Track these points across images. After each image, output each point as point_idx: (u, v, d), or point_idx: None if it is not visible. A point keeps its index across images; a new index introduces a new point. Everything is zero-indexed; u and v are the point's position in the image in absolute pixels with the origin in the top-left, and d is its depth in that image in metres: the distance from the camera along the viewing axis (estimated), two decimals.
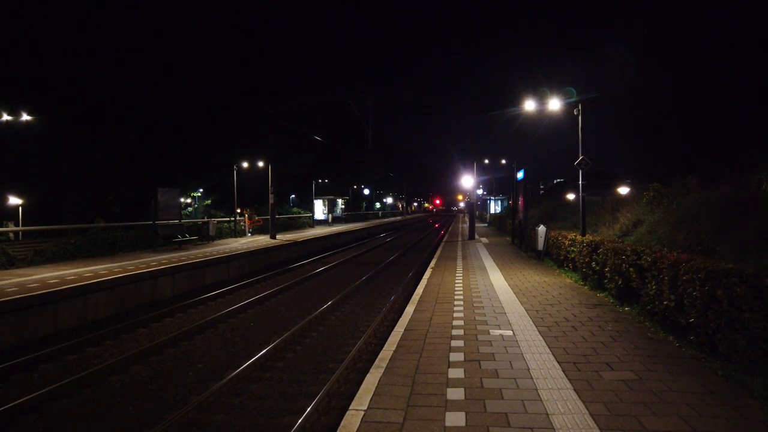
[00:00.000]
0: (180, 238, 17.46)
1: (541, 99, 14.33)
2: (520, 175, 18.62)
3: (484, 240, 23.37)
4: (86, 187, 26.12)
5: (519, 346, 5.56)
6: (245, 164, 28.69)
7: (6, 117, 20.49)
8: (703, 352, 5.13)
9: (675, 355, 5.19)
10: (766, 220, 7.94)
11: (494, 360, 5.11)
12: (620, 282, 7.69)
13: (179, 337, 8.19)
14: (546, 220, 18.49)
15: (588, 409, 3.85)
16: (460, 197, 65.24)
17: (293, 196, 50.84)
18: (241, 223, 25.19)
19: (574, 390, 4.25)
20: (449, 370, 4.84)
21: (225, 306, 10.71)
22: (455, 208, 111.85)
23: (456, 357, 5.23)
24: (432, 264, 13.98)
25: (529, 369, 4.80)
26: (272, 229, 22.13)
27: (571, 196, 23.15)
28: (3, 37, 23.63)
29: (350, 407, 4.03)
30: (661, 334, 5.95)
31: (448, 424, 3.67)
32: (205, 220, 23.11)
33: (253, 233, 25.33)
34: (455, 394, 4.23)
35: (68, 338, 8.31)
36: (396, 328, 6.55)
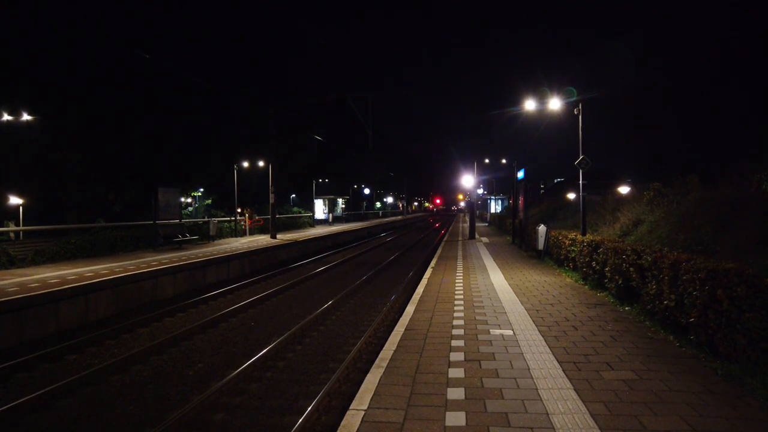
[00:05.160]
0: (180, 238, 17.47)
1: (542, 99, 14.33)
2: (520, 174, 18.61)
3: (485, 239, 23.37)
4: (87, 187, 26.13)
5: (519, 346, 5.56)
6: (245, 164, 28.70)
7: (6, 117, 20.50)
8: (704, 351, 5.14)
9: (675, 355, 5.19)
10: (766, 220, 7.94)
11: (494, 360, 5.11)
12: (620, 282, 7.70)
13: (180, 337, 8.20)
14: (546, 220, 18.48)
15: (588, 409, 3.86)
16: (461, 197, 65.19)
17: (293, 195, 50.84)
18: (242, 223, 25.18)
19: (575, 390, 4.25)
20: (449, 369, 4.84)
21: (225, 305, 10.71)
22: (455, 208, 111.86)
23: (456, 357, 5.23)
24: (432, 263, 13.98)
25: (529, 369, 4.81)
26: (272, 229, 22.13)
27: (571, 196, 23.14)
28: (3, 37, 23.65)
29: (351, 407, 4.04)
30: (661, 334, 5.96)
31: (448, 423, 3.68)
32: (206, 219, 23.12)
33: (253, 233, 25.34)
34: (455, 393, 4.24)
35: (69, 338, 8.32)
36: (396, 328, 6.56)
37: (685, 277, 5.50)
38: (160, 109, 29.38)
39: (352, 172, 62.55)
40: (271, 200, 22.32)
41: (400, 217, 71.22)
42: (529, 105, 14.85)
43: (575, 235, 11.20)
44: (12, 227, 20.37)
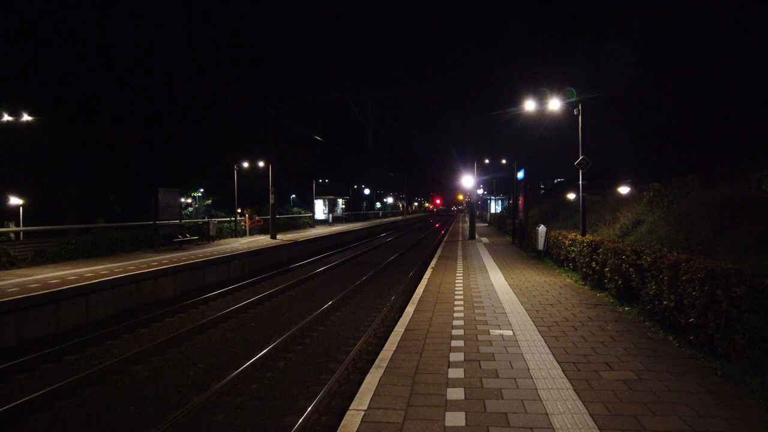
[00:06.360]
0: (181, 238, 17.48)
1: (542, 99, 14.33)
2: (520, 175, 18.62)
3: (485, 240, 23.37)
4: (87, 188, 26.12)
5: (519, 346, 5.57)
6: (246, 164, 28.70)
7: (6, 117, 20.51)
8: (703, 351, 5.14)
9: (675, 355, 5.20)
10: (766, 220, 7.94)
11: (494, 360, 5.12)
12: (620, 282, 7.70)
13: (180, 337, 8.20)
14: (546, 220, 18.48)
15: (588, 409, 3.86)
16: (461, 197, 65.28)
17: (294, 195, 50.83)
18: (242, 223, 25.20)
19: (574, 390, 4.26)
20: (449, 370, 4.85)
21: (226, 306, 10.72)
22: (455, 208, 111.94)
23: (456, 357, 5.24)
24: (432, 264, 13.99)
25: (529, 369, 4.81)
26: (273, 229, 22.15)
27: (571, 196, 23.15)
28: (3, 37, 23.65)
29: (350, 407, 4.05)
30: (660, 334, 5.97)
31: (448, 423, 3.68)
32: (206, 220, 23.13)
33: (253, 233, 25.35)
34: (455, 394, 4.24)
35: (69, 338, 8.34)
36: (396, 328, 6.56)
37: (684, 278, 5.51)
38: (160, 109, 29.37)
39: (352, 172, 62.54)
40: (272, 200, 22.34)
41: (400, 218, 71.24)
42: (529, 105, 14.86)
43: (575, 236, 11.21)
44: (12, 227, 20.40)
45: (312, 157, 44.94)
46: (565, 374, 4.64)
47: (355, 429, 3.64)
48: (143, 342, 8.18)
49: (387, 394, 4.29)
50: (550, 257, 13.74)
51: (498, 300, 8.28)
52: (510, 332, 6.19)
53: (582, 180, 11.82)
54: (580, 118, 11.80)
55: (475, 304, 7.94)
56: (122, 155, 26.75)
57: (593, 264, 9.14)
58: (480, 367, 4.89)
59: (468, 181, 34.41)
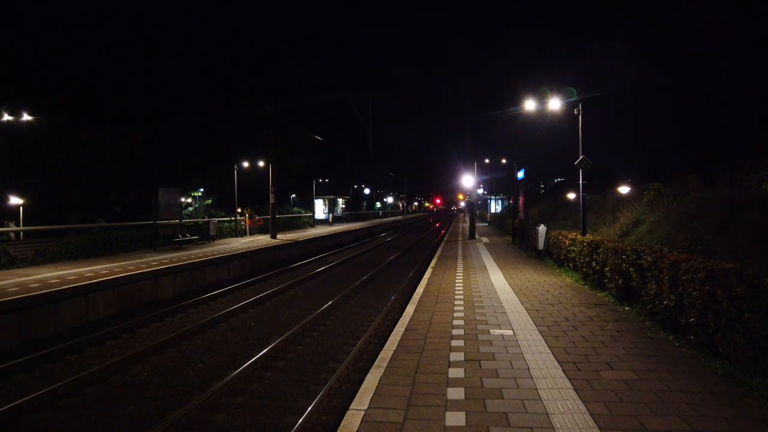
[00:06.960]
0: (181, 238, 17.47)
1: (542, 98, 14.34)
2: (520, 174, 18.62)
3: (485, 240, 23.37)
4: (87, 187, 26.14)
5: (519, 346, 5.57)
6: (246, 164, 28.74)
7: (7, 117, 20.52)
8: (703, 351, 5.15)
9: (675, 355, 5.20)
10: (766, 220, 7.95)
11: (494, 360, 5.12)
12: (620, 282, 7.70)
13: (180, 337, 8.20)
14: (546, 220, 18.49)
15: (588, 409, 3.86)
16: (461, 197, 65.18)
17: (294, 195, 50.87)
18: (242, 223, 25.19)
19: (574, 390, 4.26)
20: (449, 369, 4.85)
21: (226, 306, 10.72)
22: (455, 208, 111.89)
23: (456, 357, 5.24)
24: (432, 263, 13.98)
25: (529, 369, 4.81)
26: (273, 229, 22.14)
27: (571, 196, 23.15)
28: (4, 38, 23.66)
29: (351, 407, 4.04)
30: (661, 334, 5.97)
31: (448, 423, 3.68)
32: (206, 219, 23.12)
33: (253, 233, 25.35)
34: (455, 393, 4.24)
35: (69, 338, 8.33)
36: (396, 328, 6.56)
37: (684, 277, 5.51)
38: (161, 109, 29.43)
39: (352, 172, 62.66)
40: (272, 200, 22.33)
41: (400, 217, 71.24)
42: (530, 105, 14.86)
43: (575, 235, 11.21)
44: (12, 227, 20.41)
45: (312, 157, 45.01)
46: (566, 374, 4.64)
47: (356, 429, 3.64)
48: (143, 342, 8.17)
49: (387, 393, 4.28)
50: (550, 257, 13.74)
51: (498, 300, 8.28)
52: (510, 332, 6.19)
53: (582, 180, 11.82)
54: (580, 117, 11.80)
55: (475, 304, 7.94)
56: (122, 155, 26.75)
57: (593, 264, 9.14)
58: (480, 367, 4.89)
59: (468, 180, 34.43)
